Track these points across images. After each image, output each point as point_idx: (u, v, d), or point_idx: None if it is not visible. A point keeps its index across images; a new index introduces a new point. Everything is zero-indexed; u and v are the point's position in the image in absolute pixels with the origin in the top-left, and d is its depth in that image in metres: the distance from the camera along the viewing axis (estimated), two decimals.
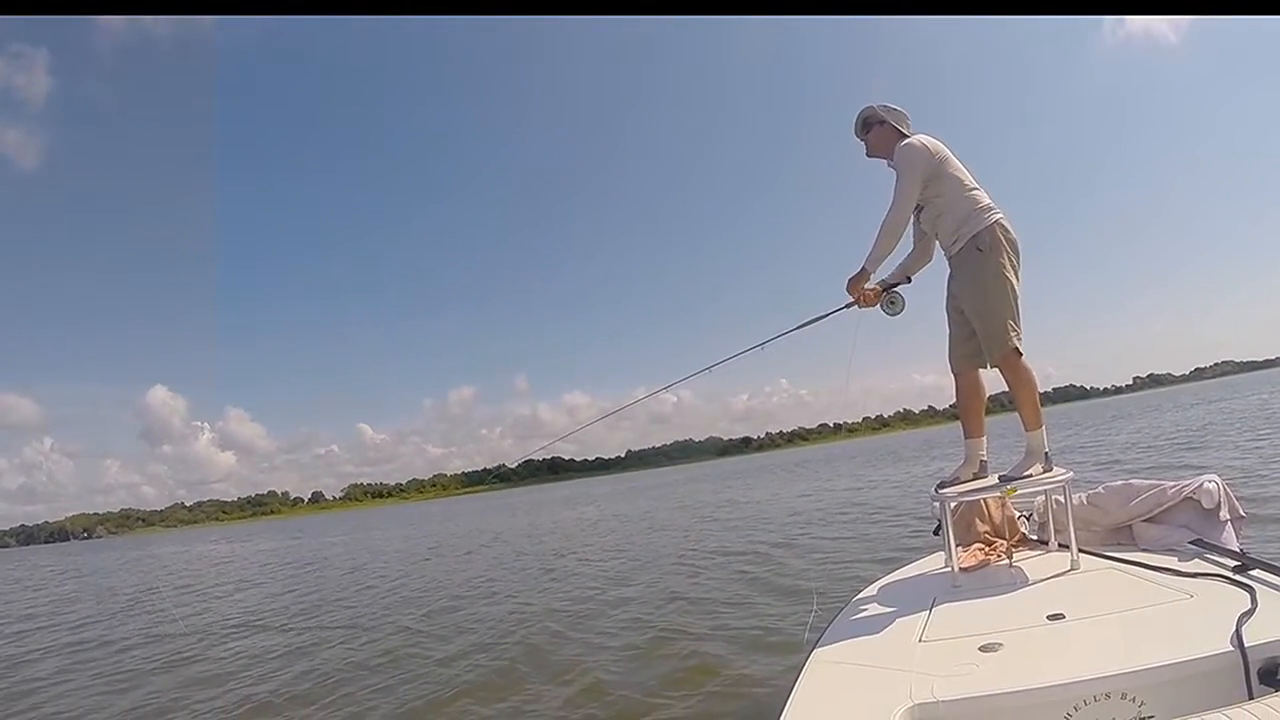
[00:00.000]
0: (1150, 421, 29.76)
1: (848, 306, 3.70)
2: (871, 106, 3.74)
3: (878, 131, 3.73)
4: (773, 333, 4.12)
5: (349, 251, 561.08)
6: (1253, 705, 1.53)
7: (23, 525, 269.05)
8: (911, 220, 3.71)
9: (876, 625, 2.81)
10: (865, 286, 3.66)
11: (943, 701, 1.97)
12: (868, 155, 3.82)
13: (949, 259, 3.64)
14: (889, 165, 3.71)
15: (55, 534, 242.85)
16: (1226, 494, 3.13)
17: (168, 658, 8.37)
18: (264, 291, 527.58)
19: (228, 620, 10.79)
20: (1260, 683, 1.88)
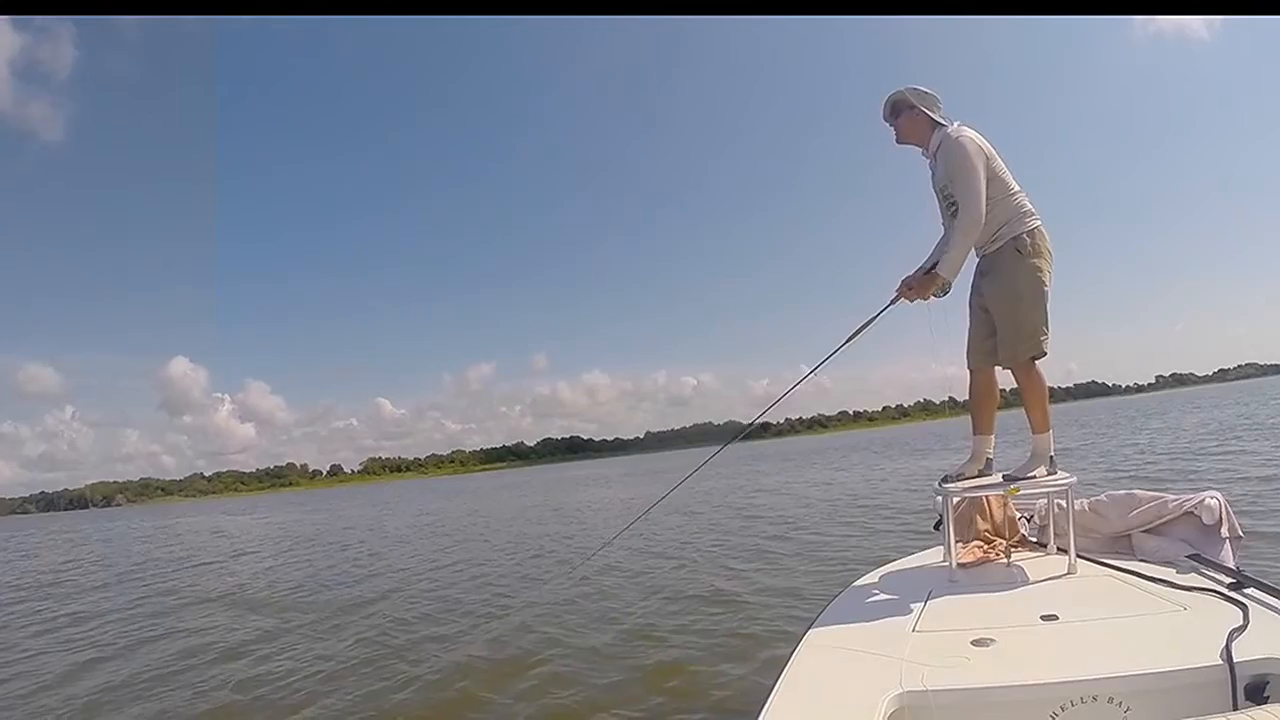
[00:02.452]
0: (1168, 422, 29.48)
1: (893, 304, 3.62)
2: (901, 90, 3.62)
3: (908, 117, 3.62)
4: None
5: (371, 226, 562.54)
6: (1237, 716, 1.54)
7: (43, 492, 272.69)
8: (942, 211, 3.67)
9: (872, 612, 2.86)
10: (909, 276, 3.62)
11: (932, 691, 2.01)
12: (897, 141, 3.72)
13: (982, 256, 3.58)
14: (922, 153, 3.67)
15: (75, 501, 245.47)
16: (1227, 512, 3.14)
17: (131, 628, 8.99)
18: (286, 265, 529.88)
19: (203, 594, 11.43)
20: (1246, 698, 1.90)
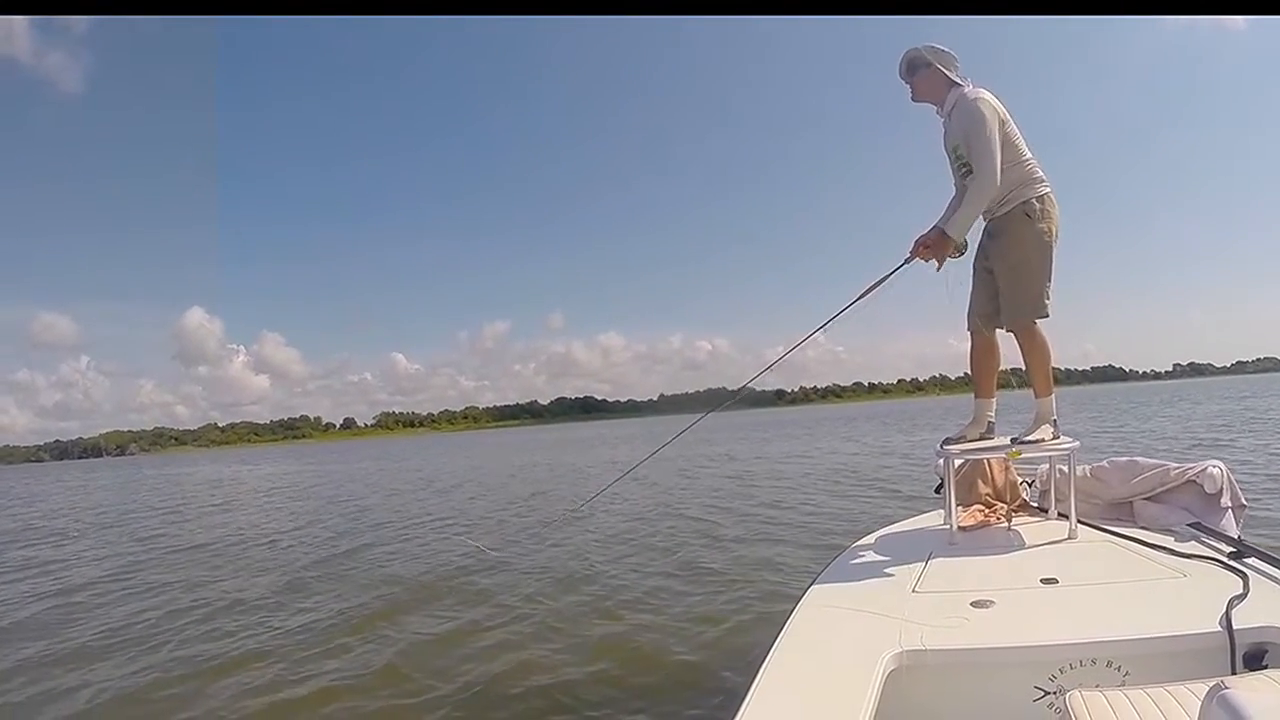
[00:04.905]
0: (1182, 411, 29.25)
1: (905, 264, 3.57)
2: (918, 48, 3.56)
3: (925, 75, 3.57)
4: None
5: (386, 181, 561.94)
6: (1236, 679, 1.54)
7: (57, 440, 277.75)
8: (953, 171, 3.65)
9: (872, 572, 2.89)
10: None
11: (931, 650, 2.03)
12: (913, 99, 3.68)
13: (991, 220, 3.54)
14: (937, 112, 3.62)
15: (89, 450, 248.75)
16: (1230, 481, 3.10)
17: (89, 571, 9.47)
18: (304, 220, 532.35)
19: (180, 544, 11.62)
20: (1244, 665, 1.92)
